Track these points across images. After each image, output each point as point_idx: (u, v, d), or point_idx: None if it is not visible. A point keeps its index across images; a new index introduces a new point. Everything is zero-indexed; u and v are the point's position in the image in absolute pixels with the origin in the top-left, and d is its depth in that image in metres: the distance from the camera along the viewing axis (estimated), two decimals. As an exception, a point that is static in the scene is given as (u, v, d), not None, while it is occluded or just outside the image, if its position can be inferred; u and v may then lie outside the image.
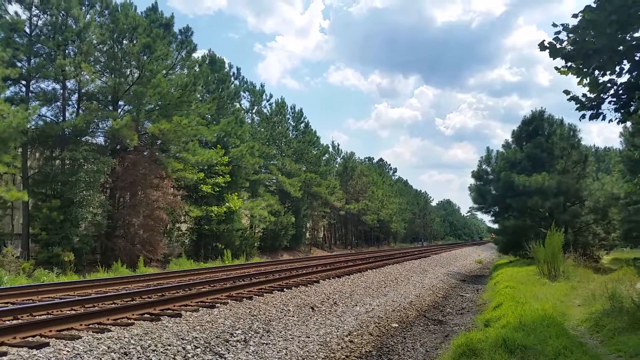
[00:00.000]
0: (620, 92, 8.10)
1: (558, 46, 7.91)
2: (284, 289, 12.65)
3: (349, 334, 9.58)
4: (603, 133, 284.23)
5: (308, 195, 48.51)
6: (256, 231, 39.03)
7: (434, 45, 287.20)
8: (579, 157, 27.21)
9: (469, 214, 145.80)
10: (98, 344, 6.54)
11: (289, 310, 10.63)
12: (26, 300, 10.65)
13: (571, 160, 27.08)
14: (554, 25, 7.77)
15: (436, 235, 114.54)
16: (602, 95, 8.13)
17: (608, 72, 7.91)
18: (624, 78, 7.99)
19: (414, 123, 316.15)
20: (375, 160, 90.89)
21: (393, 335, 10.31)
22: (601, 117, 8.19)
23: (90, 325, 7.55)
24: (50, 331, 6.95)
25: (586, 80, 8.05)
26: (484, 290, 18.34)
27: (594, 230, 26.89)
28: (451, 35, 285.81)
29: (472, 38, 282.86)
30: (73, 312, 8.68)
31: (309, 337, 8.99)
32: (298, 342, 8.63)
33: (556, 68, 8.15)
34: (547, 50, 8.02)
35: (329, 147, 60.12)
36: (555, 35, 7.87)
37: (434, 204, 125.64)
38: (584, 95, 8.21)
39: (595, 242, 27.33)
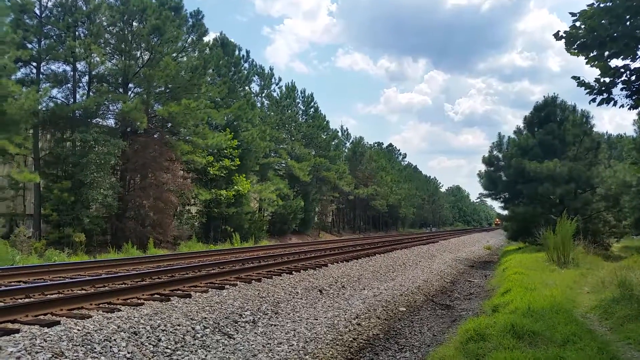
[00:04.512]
0: (633, 78, 7.98)
1: (573, 37, 7.81)
2: (293, 272, 12.70)
3: (357, 317, 9.61)
4: (615, 120, 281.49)
5: (317, 179, 48.54)
6: (265, 215, 39.18)
7: (444, 28, 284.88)
8: (591, 143, 26.85)
9: (478, 200, 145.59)
10: (108, 323, 6.61)
11: (297, 292, 10.68)
12: (38, 279, 10.78)
13: (583, 147, 26.74)
14: (572, 14, 7.65)
15: (445, 221, 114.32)
16: (614, 79, 8.02)
17: (621, 58, 7.80)
18: (639, 63, 7.87)
19: (423, 108, 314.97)
20: (384, 146, 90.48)
21: (401, 319, 10.33)
22: (612, 102, 8.09)
23: (101, 305, 7.63)
24: (61, 310, 7.04)
25: (593, 63, 7.94)
26: (492, 276, 18.29)
27: (605, 218, 26.63)
28: (461, 18, 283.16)
29: (483, 21, 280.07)
30: (83, 291, 8.78)
31: (316, 320, 9.04)
32: (306, 324, 8.68)
33: (567, 49, 8.04)
34: (563, 41, 7.92)
35: (337, 132, 60.01)
36: (573, 24, 7.75)
37: (443, 189, 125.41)
38: (596, 80, 8.11)
39: (606, 230, 27.05)
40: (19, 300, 7.77)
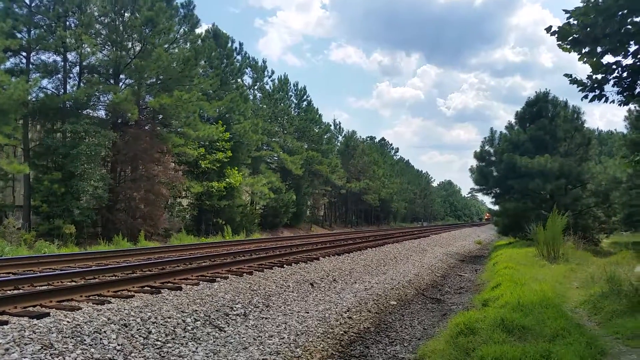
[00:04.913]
0: (625, 74, 8.02)
1: (566, 32, 7.82)
2: (284, 265, 12.70)
3: (348, 311, 9.63)
4: (605, 116, 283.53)
5: (309, 173, 48.52)
6: (257, 208, 39.12)
7: (437, 22, 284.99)
8: (582, 139, 27.03)
9: (469, 195, 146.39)
10: (98, 315, 6.57)
11: (289, 286, 10.68)
12: (27, 270, 10.71)
13: (574, 142, 26.91)
14: (566, 11, 7.66)
15: (436, 215, 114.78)
16: (606, 76, 8.06)
17: (613, 54, 7.83)
18: (630, 60, 7.91)
19: (416, 102, 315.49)
20: (377, 140, 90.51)
21: (391, 313, 10.37)
22: (604, 99, 8.13)
23: (91, 297, 7.59)
24: (51, 302, 6.98)
25: (586, 59, 7.97)
26: (483, 270, 18.41)
27: (595, 214, 26.84)
28: (454, 12, 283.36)
29: (475, 16, 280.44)
30: (73, 283, 8.72)
31: (308, 313, 9.04)
32: (297, 317, 8.68)
33: (559, 45, 8.05)
34: (555, 36, 7.93)
35: (330, 126, 59.97)
36: (567, 21, 7.75)
37: (435, 184, 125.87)
38: (589, 77, 8.14)
39: (596, 226, 27.25)
40: (8, 292, 7.71)
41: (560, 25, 7.87)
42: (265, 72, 46.86)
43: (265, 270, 11.67)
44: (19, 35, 21.69)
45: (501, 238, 35.50)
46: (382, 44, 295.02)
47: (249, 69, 44.34)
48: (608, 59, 7.99)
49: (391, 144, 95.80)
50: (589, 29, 7.59)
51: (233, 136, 31.85)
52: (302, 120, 49.32)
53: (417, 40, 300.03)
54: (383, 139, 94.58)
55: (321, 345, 7.47)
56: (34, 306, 6.72)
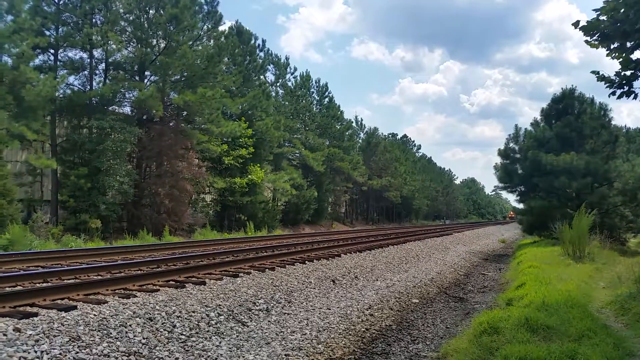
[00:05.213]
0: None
1: (594, 27, 7.68)
2: (306, 262, 12.74)
3: (370, 308, 9.62)
4: (634, 113, 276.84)
5: (331, 170, 48.51)
6: (278, 204, 39.29)
7: (460, 17, 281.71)
8: (609, 137, 26.44)
9: (493, 193, 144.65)
10: (124, 308, 6.69)
11: (311, 282, 10.71)
12: (55, 264, 10.94)
13: (601, 140, 26.35)
14: (595, 10, 7.54)
15: (459, 213, 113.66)
16: (636, 72, 7.92)
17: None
18: None
19: (439, 99, 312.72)
20: (399, 137, 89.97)
21: (413, 311, 10.32)
22: (632, 95, 7.99)
23: (117, 291, 7.72)
24: (78, 295, 7.13)
25: (615, 55, 7.83)
26: (507, 269, 18.18)
27: (622, 213, 26.25)
28: (477, 7, 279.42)
29: (500, 11, 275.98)
30: (100, 277, 8.88)
31: (329, 309, 9.06)
32: (319, 313, 8.71)
33: (586, 41, 7.93)
34: (583, 32, 7.80)
35: (352, 122, 59.80)
36: (595, 17, 7.63)
37: (457, 182, 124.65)
38: (617, 73, 8.00)
39: (623, 225, 26.67)
40: (37, 285, 7.89)
41: (588, 20, 7.75)
42: (288, 69, 47.00)
43: (287, 266, 11.74)
44: (47, 33, 22.14)
45: (525, 237, 34.98)
46: (404, 40, 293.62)
47: (271, 65, 44.53)
48: (638, 54, 7.86)
49: (413, 141, 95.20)
50: (618, 24, 7.45)
51: (255, 133, 32.01)
52: (324, 117, 49.32)
53: (440, 35, 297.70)
54: (405, 135, 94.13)
55: (343, 342, 7.49)
56: (62, 299, 6.87)
